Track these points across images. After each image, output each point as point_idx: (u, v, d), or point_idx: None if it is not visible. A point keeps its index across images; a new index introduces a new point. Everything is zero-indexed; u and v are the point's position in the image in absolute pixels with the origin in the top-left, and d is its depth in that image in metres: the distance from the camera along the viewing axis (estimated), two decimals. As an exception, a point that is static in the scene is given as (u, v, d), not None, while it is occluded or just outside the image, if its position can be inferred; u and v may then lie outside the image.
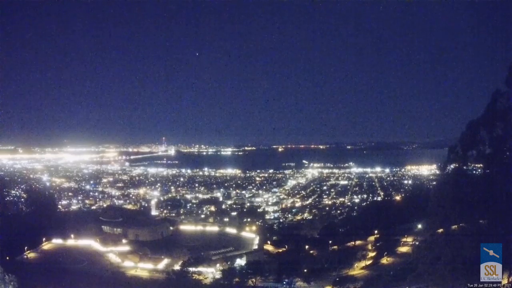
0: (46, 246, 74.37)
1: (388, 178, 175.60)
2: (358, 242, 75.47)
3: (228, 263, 67.06)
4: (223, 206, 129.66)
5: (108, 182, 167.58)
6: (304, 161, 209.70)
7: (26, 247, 69.17)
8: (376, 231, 78.07)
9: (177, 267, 60.70)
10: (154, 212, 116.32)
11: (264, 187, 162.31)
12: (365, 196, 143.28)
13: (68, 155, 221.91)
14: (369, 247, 73.55)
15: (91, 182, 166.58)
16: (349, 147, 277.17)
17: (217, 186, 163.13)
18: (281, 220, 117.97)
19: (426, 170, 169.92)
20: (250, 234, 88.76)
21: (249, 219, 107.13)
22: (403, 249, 66.06)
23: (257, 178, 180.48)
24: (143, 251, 74.99)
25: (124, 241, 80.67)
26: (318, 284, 56.57)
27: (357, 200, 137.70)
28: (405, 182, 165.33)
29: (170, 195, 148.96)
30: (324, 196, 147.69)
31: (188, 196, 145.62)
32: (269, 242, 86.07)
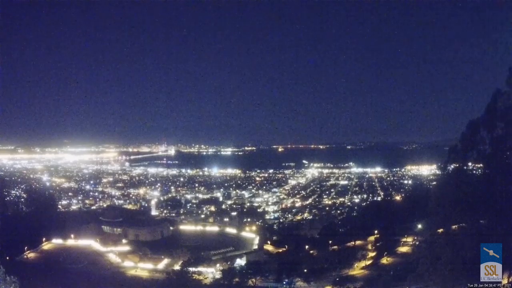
0: (46, 246, 74.41)
1: (388, 178, 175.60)
2: (358, 242, 75.42)
3: (228, 263, 67.10)
4: (223, 206, 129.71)
5: (108, 182, 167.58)
6: (304, 161, 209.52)
7: (26, 247, 69.22)
8: (376, 231, 78.07)
9: (177, 267, 60.70)
10: (154, 212, 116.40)
11: (264, 187, 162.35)
12: (365, 196, 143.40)
13: (68, 155, 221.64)
14: (369, 247, 73.57)
15: (91, 182, 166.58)
16: (349, 147, 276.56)
17: (217, 186, 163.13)
18: (281, 220, 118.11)
19: (426, 170, 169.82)
20: (250, 234, 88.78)
21: (249, 219, 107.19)
22: (403, 249, 66.13)
23: (257, 178, 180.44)
24: (143, 251, 75.02)
25: (124, 241, 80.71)
26: (318, 284, 56.60)
27: (357, 200, 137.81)
28: (405, 182, 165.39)
29: (170, 195, 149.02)
30: (324, 196, 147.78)
31: (188, 196, 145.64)
32: (269, 242, 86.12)
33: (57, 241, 76.16)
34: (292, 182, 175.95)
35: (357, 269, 62.87)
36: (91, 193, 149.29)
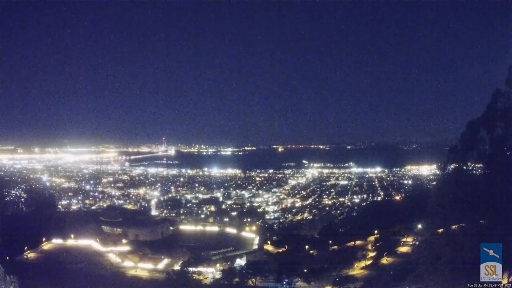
0: (46, 246, 74.38)
1: (388, 178, 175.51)
2: (358, 242, 75.46)
3: (228, 263, 67.10)
4: (223, 206, 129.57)
5: (108, 182, 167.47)
6: (304, 161, 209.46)
7: (26, 247, 69.19)
8: (376, 231, 78.11)
9: (177, 267, 60.72)
10: (154, 212, 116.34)
11: (264, 187, 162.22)
12: (365, 196, 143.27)
13: (68, 155, 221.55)
14: (369, 247, 73.62)
15: (91, 182, 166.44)
16: (349, 147, 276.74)
17: (217, 186, 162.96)
18: (281, 220, 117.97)
19: (426, 170, 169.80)
20: (250, 234, 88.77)
21: (249, 219, 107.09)
22: (403, 249, 66.15)
23: (257, 178, 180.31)
24: (143, 251, 75.02)
25: (124, 241, 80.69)
26: (318, 284, 56.63)
27: (357, 200, 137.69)
28: (405, 182, 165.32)
29: (170, 195, 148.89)
30: (324, 196, 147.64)
31: (188, 196, 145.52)
32: (269, 242, 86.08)
33: (57, 241, 76.08)
34: (292, 182, 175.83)
35: (357, 269, 62.90)
36: (91, 193, 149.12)
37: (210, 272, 61.59)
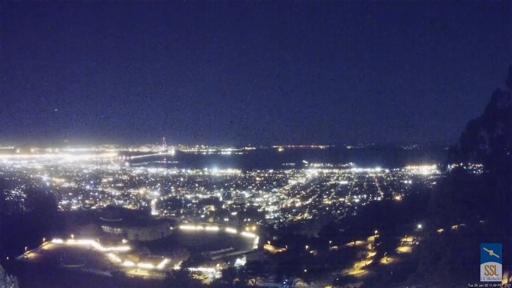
0: (46, 246, 74.37)
1: (388, 178, 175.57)
2: (358, 242, 75.50)
3: (228, 263, 67.10)
4: (223, 206, 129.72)
5: (108, 182, 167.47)
6: (304, 161, 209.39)
7: (26, 247, 69.19)
8: (376, 231, 78.10)
9: (177, 267, 60.65)
10: (154, 212, 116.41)
11: (264, 187, 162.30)
12: (365, 196, 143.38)
13: (68, 155, 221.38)
14: (369, 247, 73.63)
15: (91, 182, 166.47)
16: (349, 147, 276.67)
17: (217, 186, 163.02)
18: (281, 220, 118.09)
19: (426, 170, 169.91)
20: (250, 234, 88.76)
21: (249, 219, 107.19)
22: (403, 249, 66.17)
23: (257, 178, 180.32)
24: (143, 251, 75.02)
25: (124, 241, 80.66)
26: (318, 284, 56.63)
27: (357, 200, 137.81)
28: (405, 182, 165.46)
29: (170, 195, 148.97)
30: (324, 196, 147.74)
31: (188, 196, 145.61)
32: (269, 242, 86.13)
33: (57, 241, 76.07)
34: (292, 182, 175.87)
35: (357, 269, 62.91)
36: (91, 193, 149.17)
37: (210, 272, 61.56)
